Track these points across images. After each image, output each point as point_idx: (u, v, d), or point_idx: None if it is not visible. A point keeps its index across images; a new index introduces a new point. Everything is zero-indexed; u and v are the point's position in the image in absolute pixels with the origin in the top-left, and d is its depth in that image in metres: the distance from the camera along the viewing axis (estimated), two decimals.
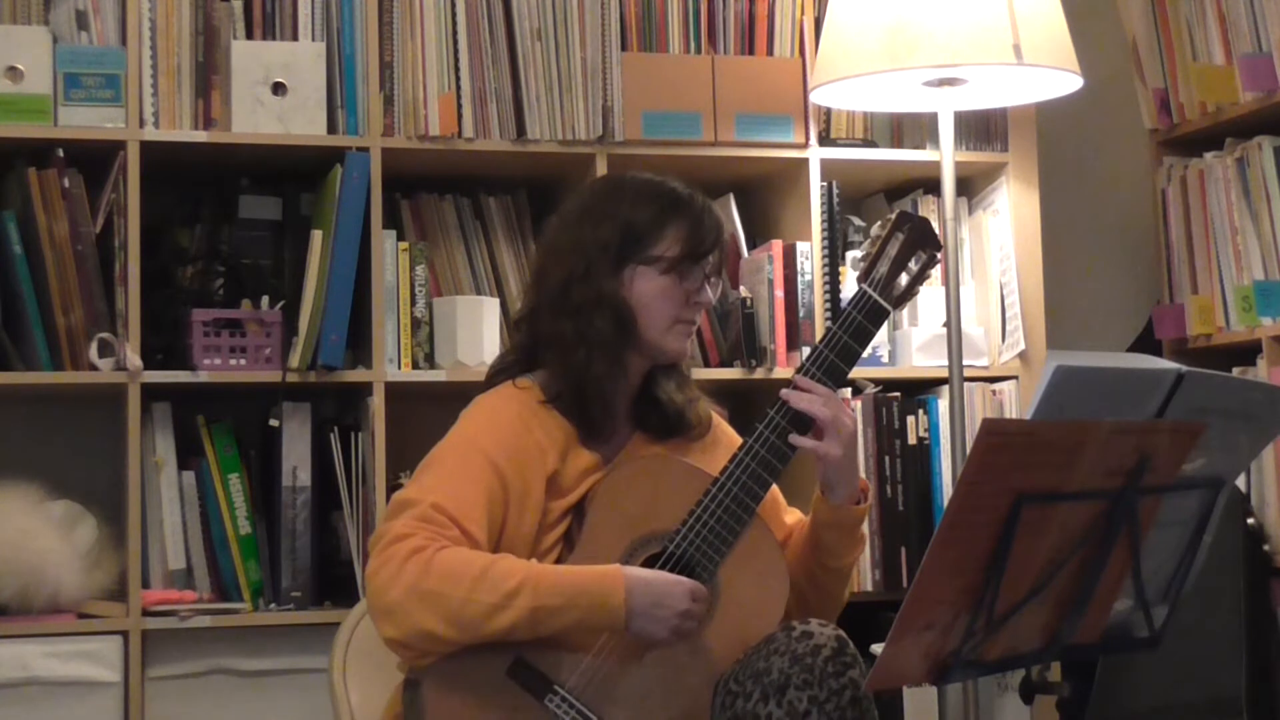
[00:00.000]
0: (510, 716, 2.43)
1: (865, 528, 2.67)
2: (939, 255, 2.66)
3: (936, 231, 2.67)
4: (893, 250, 2.63)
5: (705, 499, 2.52)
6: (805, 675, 2.38)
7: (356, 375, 3.44)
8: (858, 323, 2.60)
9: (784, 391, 2.58)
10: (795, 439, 2.56)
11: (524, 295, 2.74)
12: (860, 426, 3.66)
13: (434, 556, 2.39)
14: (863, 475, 2.67)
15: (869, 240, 2.68)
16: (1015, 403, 3.75)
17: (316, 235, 3.42)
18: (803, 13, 3.73)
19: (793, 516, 2.75)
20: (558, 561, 2.53)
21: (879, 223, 2.69)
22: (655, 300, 2.59)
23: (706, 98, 3.64)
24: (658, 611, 2.43)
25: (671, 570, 2.49)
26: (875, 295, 2.61)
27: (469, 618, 2.38)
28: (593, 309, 2.57)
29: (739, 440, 2.69)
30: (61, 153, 3.32)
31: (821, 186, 3.69)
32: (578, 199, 2.73)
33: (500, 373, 2.67)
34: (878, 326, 2.63)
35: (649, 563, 2.52)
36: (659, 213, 2.60)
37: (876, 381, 3.71)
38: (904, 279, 2.63)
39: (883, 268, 2.63)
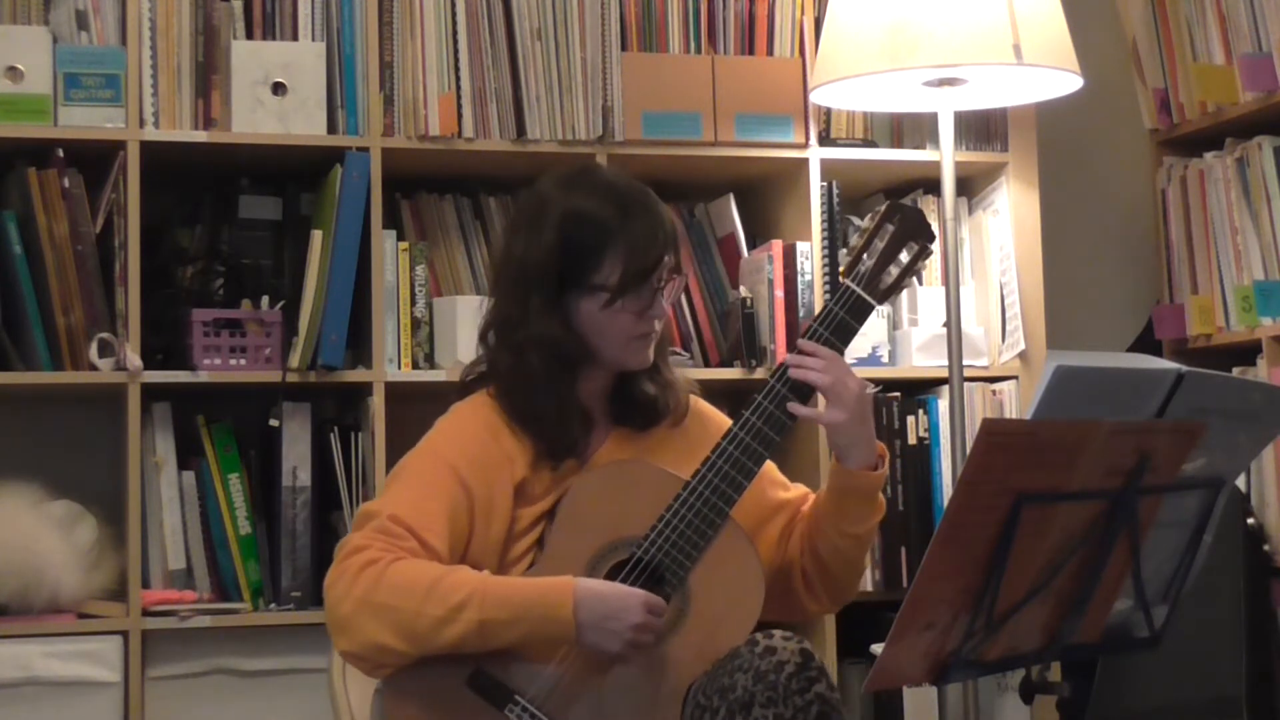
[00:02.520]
0: None
1: (882, 495, 2.63)
2: (932, 246, 2.60)
3: (930, 221, 2.62)
4: (880, 243, 2.58)
5: (675, 503, 2.48)
6: (769, 693, 2.34)
7: (356, 375, 3.44)
8: (840, 319, 2.56)
9: (789, 357, 2.54)
10: (795, 408, 2.52)
11: (485, 307, 2.70)
12: None
13: (386, 569, 2.39)
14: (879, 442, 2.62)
15: (859, 232, 2.62)
16: (1015, 403, 3.75)
17: (316, 235, 3.42)
18: (803, 13, 3.73)
19: (794, 492, 2.71)
20: (530, 568, 2.51)
21: (869, 214, 2.65)
22: (604, 327, 2.53)
23: (706, 98, 3.63)
24: (610, 624, 2.39)
25: (639, 577, 2.46)
26: (858, 290, 2.56)
27: (418, 630, 2.37)
28: (530, 350, 2.53)
29: (722, 420, 2.65)
30: (61, 153, 3.32)
31: (821, 186, 3.69)
32: (519, 212, 2.66)
33: (475, 380, 2.64)
34: (861, 322, 2.58)
35: (616, 569, 2.48)
36: (596, 238, 2.52)
37: (876, 381, 3.70)
38: (893, 271, 2.57)
39: (868, 261, 2.57)
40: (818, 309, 3.64)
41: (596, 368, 2.58)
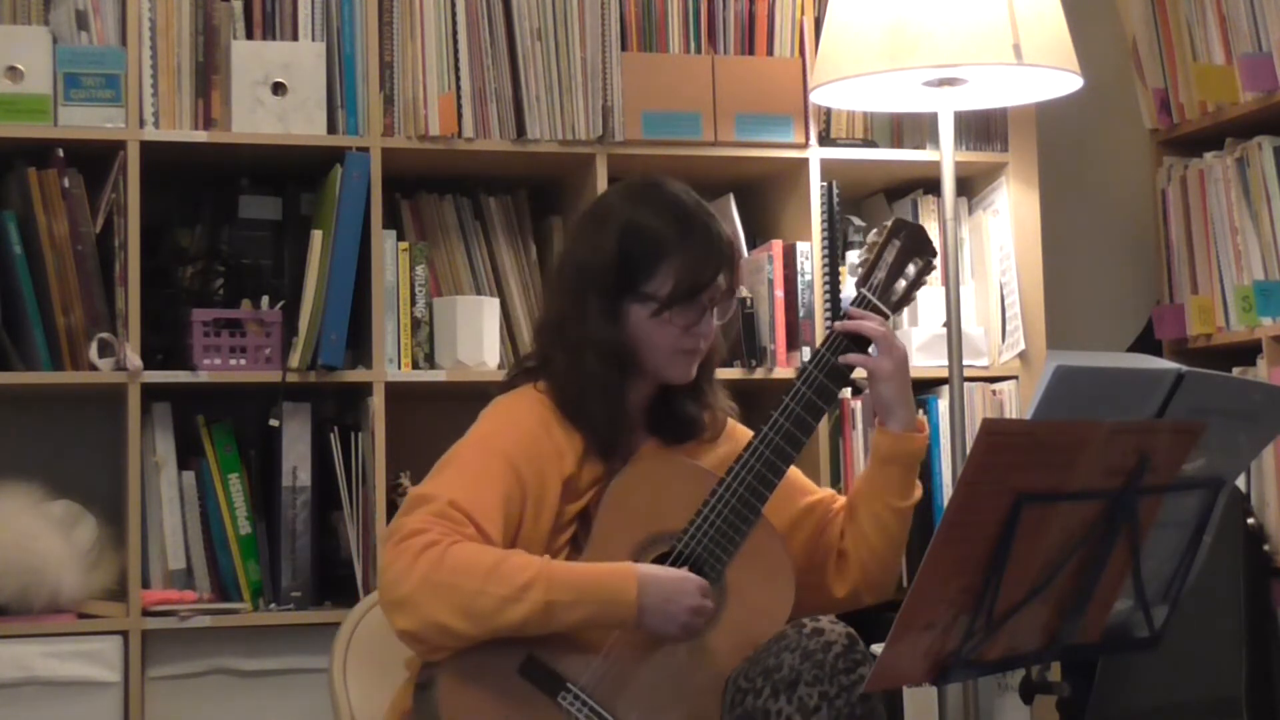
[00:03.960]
0: (523, 714, 2.44)
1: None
2: (935, 262, 2.71)
3: (931, 238, 2.71)
4: (890, 256, 2.68)
5: (712, 499, 2.54)
6: (816, 671, 2.39)
7: (356, 375, 3.44)
8: None
9: (837, 324, 2.63)
10: (847, 357, 2.60)
11: (540, 302, 2.75)
12: (860, 427, 3.67)
13: (448, 550, 2.40)
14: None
15: (866, 246, 2.72)
16: (1015, 403, 3.75)
17: (316, 235, 3.42)
18: (803, 13, 3.73)
19: (821, 494, 2.76)
20: (569, 559, 2.54)
21: (875, 229, 2.73)
22: (652, 336, 2.59)
23: (706, 98, 3.63)
24: (669, 608, 2.43)
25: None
26: (874, 299, 2.66)
27: (481, 610, 2.38)
28: (586, 349, 2.58)
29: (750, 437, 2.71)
30: (61, 153, 3.32)
31: (821, 186, 3.69)
32: (583, 218, 2.74)
33: (520, 375, 2.68)
34: None
35: (657, 561, 2.52)
36: (653, 247, 2.58)
37: None
38: (902, 284, 2.68)
39: (881, 273, 2.68)
40: (818, 309, 3.65)
41: (641, 377, 2.63)
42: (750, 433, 2.73)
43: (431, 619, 2.39)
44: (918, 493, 2.69)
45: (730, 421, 2.74)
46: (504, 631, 2.41)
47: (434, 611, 2.39)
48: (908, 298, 2.69)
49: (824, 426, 3.60)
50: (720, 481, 2.55)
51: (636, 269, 2.58)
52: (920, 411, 3.67)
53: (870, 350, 2.64)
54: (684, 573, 2.47)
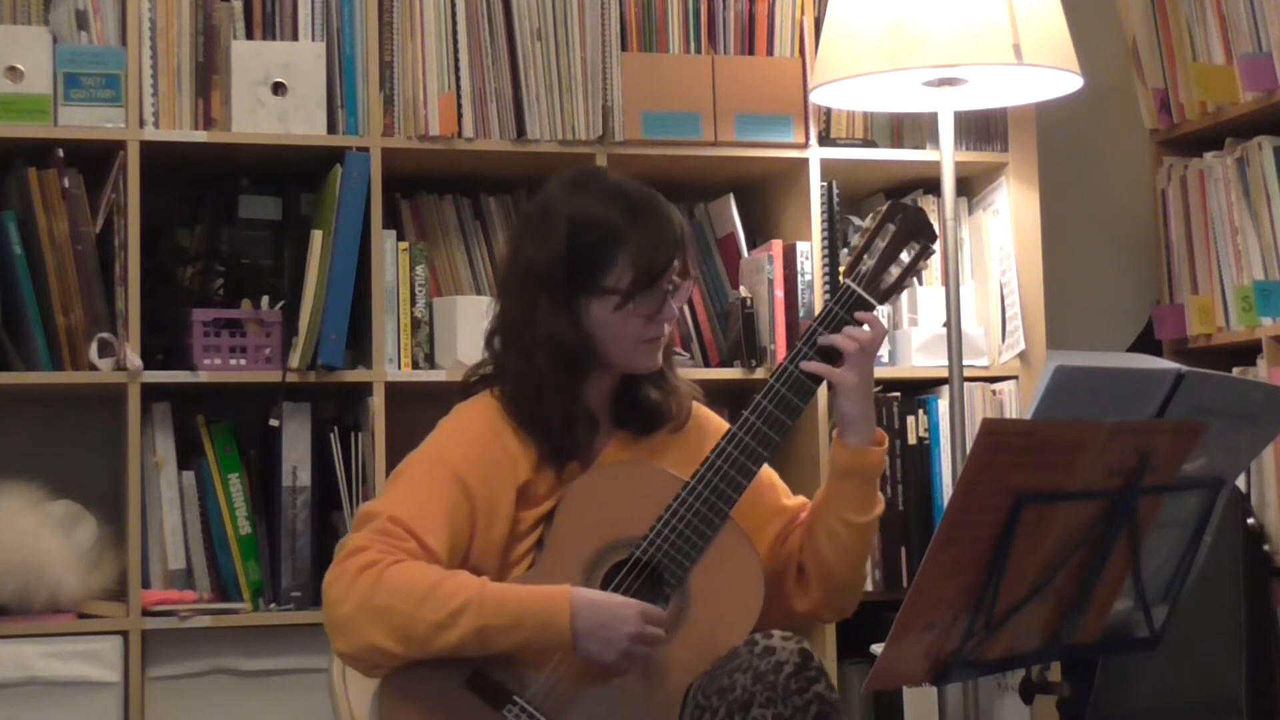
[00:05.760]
0: None
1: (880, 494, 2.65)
2: (934, 246, 2.60)
3: (931, 220, 2.61)
4: (881, 243, 2.58)
5: (675, 503, 2.48)
6: (768, 693, 2.34)
7: (356, 375, 3.44)
8: (840, 318, 2.55)
9: (821, 339, 2.54)
10: (809, 365, 2.52)
11: (491, 309, 2.71)
12: None
13: (385, 571, 2.39)
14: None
15: (859, 232, 2.62)
16: (1015, 403, 3.75)
17: (316, 235, 3.42)
18: (803, 13, 3.73)
19: (793, 500, 2.71)
20: (530, 568, 2.51)
21: (871, 214, 2.65)
22: (615, 330, 2.53)
23: (706, 98, 3.63)
24: (605, 634, 2.39)
25: (639, 577, 2.46)
26: (859, 289, 2.56)
27: (416, 634, 2.37)
28: (538, 350, 2.53)
29: (722, 425, 2.66)
30: (61, 153, 3.32)
31: (821, 186, 3.69)
32: (525, 217, 2.67)
33: (479, 381, 2.64)
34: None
35: (615, 569, 2.48)
36: (606, 241, 2.52)
37: (876, 381, 3.70)
38: (894, 271, 2.57)
39: (869, 261, 2.57)
40: (818, 309, 3.64)
41: (603, 371, 2.58)
42: (723, 421, 2.69)
43: (368, 642, 2.38)
44: (878, 508, 2.61)
45: (701, 409, 2.69)
46: (442, 654, 2.39)
47: (370, 635, 2.38)
48: (900, 285, 2.58)
49: (824, 427, 3.60)
50: (684, 485, 2.49)
51: (591, 264, 2.52)
52: (921, 412, 3.70)
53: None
54: (625, 599, 2.42)
